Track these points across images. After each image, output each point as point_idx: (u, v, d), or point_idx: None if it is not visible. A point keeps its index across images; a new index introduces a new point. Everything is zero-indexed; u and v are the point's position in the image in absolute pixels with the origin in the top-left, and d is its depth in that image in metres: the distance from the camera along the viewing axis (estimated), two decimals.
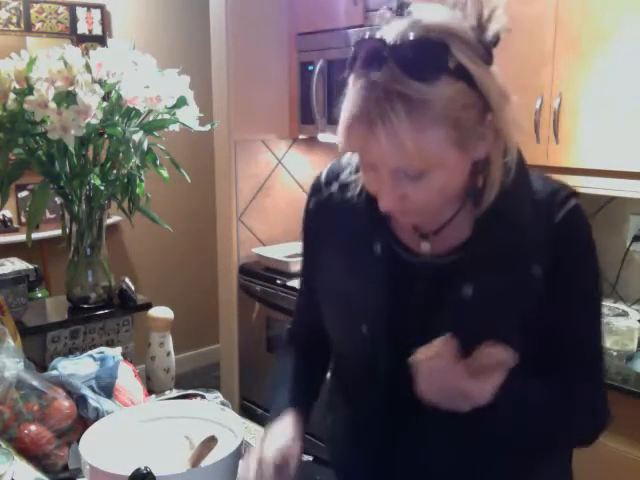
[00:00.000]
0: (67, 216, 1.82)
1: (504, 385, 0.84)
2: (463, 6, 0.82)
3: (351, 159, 1.02)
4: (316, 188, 1.07)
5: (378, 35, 0.80)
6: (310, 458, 1.30)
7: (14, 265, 1.82)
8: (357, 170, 0.99)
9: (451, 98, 0.77)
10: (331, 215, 1.04)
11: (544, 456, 1.02)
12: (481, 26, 0.82)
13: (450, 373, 0.82)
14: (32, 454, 1.18)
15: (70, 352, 1.75)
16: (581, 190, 2.09)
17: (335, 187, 1.03)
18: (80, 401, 1.28)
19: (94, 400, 1.29)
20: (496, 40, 0.83)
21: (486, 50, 0.82)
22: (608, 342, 2.01)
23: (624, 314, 2.20)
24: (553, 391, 0.94)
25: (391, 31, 0.79)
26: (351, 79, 0.82)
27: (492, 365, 0.83)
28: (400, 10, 0.83)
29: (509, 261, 0.89)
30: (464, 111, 0.79)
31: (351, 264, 1.00)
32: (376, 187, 0.86)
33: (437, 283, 0.94)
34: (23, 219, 3.46)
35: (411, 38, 0.77)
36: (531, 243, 0.89)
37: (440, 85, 0.77)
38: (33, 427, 1.21)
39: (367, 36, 0.81)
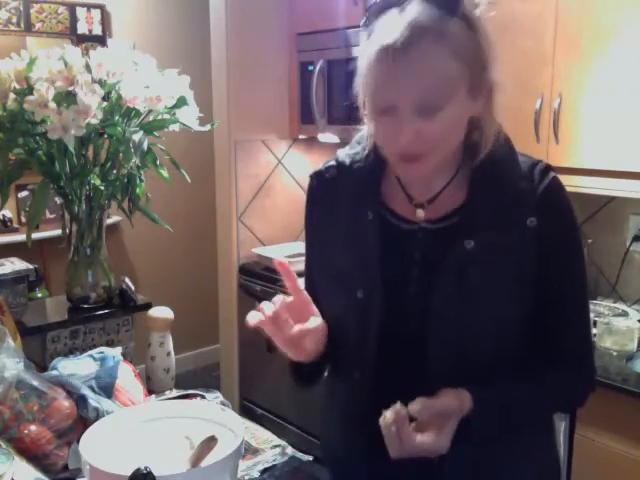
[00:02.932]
0: (67, 216, 1.82)
1: (489, 397, 0.95)
2: None
3: (346, 149, 1.12)
4: (316, 171, 1.15)
5: None
6: (310, 458, 1.30)
7: (14, 265, 1.82)
8: (354, 154, 1.10)
9: (466, 37, 0.90)
10: (329, 191, 1.11)
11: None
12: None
13: (406, 437, 0.90)
14: (32, 454, 1.18)
15: (70, 352, 1.75)
16: (581, 190, 2.10)
17: (333, 168, 1.12)
18: (80, 401, 1.28)
19: (94, 400, 1.29)
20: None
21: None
22: (608, 342, 2.01)
23: (624, 314, 2.20)
24: (539, 377, 1.02)
25: None
26: (374, 24, 0.93)
27: (445, 415, 0.92)
28: None
29: (506, 218, 0.98)
30: (474, 54, 0.91)
31: (346, 233, 1.06)
32: (391, 130, 0.93)
33: (436, 245, 1.01)
34: (23, 219, 3.46)
35: None
36: (524, 201, 0.98)
37: (455, 22, 0.89)
38: (33, 427, 1.21)
39: None
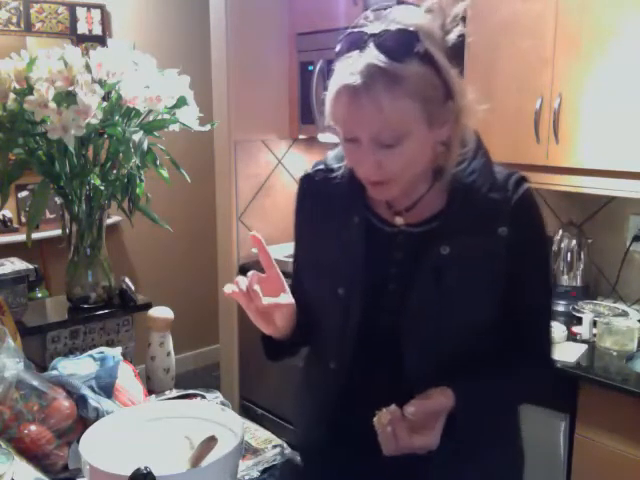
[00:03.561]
0: (67, 216, 1.82)
1: (465, 390, 1.00)
2: (434, 11, 0.99)
3: (335, 152, 1.17)
4: (305, 174, 1.21)
5: (361, 29, 0.98)
6: None
7: (14, 265, 1.82)
8: (341, 157, 1.14)
9: (421, 77, 0.94)
10: (317, 194, 1.17)
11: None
12: (445, 29, 0.99)
13: (402, 437, 0.95)
14: (32, 454, 1.18)
15: (70, 352, 1.75)
16: (581, 190, 2.10)
17: (321, 172, 1.17)
18: (80, 401, 1.28)
19: (94, 400, 1.29)
20: (455, 46, 0.99)
21: (449, 50, 0.99)
22: (608, 342, 2.01)
23: (624, 314, 2.20)
24: (510, 372, 1.09)
25: (371, 26, 0.97)
26: (337, 64, 0.98)
27: (434, 413, 0.97)
28: (381, 9, 1.01)
29: (480, 226, 1.04)
30: (431, 91, 0.95)
31: (332, 234, 1.12)
32: (355, 158, 1.00)
33: (415, 248, 1.07)
34: (23, 219, 3.46)
35: (389, 29, 0.95)
36: (497, 211, 1.04)
37: (412, 65, 0.93)
38: (33, 427, 1.21)
39: (351, 31, 0.99)
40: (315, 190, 1.17)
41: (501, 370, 1.09)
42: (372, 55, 0.93)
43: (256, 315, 1.04)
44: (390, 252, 1.09)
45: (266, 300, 1.02)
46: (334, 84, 0.97)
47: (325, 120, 1.01)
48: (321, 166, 1.18)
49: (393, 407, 0.97)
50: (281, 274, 1.08)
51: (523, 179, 1.07)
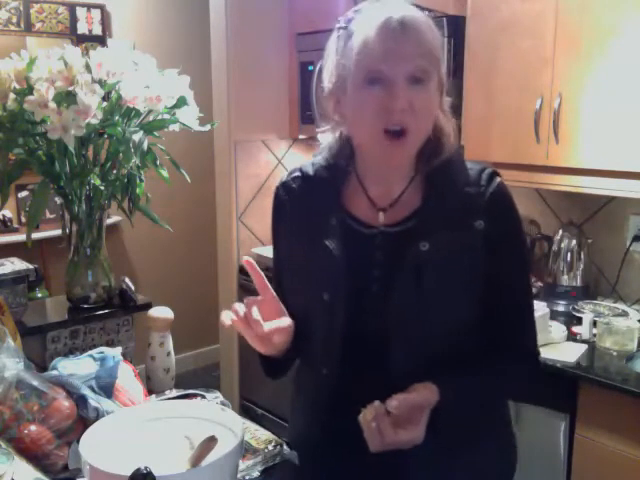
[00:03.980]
0: (67, 216, 1.82)
1: (450, 387, 1.02)
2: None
3: (312, 160, 1.20)
4: (282, 182, 1.22)
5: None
6: None
7: (14, 265, 1.82)
8: (316, 160, 1.18)
9: (438, 33, 1.04)
10: (294, 200, 1.18)
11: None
12: None
13: (386, 432, 0.96)
14: (32, 454, 1.18)
15: (70, 352, 1.74)
16: (581, 190, 2.10)
17: (297, 178, 1.19)
18: (80, 401, 1.28)
19: (94, 400, 1.29)
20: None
21: None
22: (608, 342, 2.01)
23: (624, 314, 2.20)
24: (493, 368, 1.10)
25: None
26: (357, 19, 1.05)
27: (418, 408, 0.98)
28: None
29: (457, 221, 1.07)
30: (441, 46, 1.04)
31: (311, 239, 1.12)
32: (383, 100, 1.00)
33: (394, 248, 1.08)
34: (23, 219, 3.46)
35: None
36: (472, 205, 1.07)
37: (431, 21, 1.03)
38: (33, 427, 1.21)
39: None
40: (291, 197, 1.19)
41: (486, 367, 1.10)
42: (400, 3, 1.02)
43: (254, 339, 1.04)
44: (371, 254, 1.10)
45: (267, 326, 1.02)
46: (368, 27, 1.00)
47: (338, 81, 1.11)
48: (297, 173, 1.19)
49: (377, 403, 0.98)
50: (275, 294, 1.08)
51: (495, 173, 1.10)
